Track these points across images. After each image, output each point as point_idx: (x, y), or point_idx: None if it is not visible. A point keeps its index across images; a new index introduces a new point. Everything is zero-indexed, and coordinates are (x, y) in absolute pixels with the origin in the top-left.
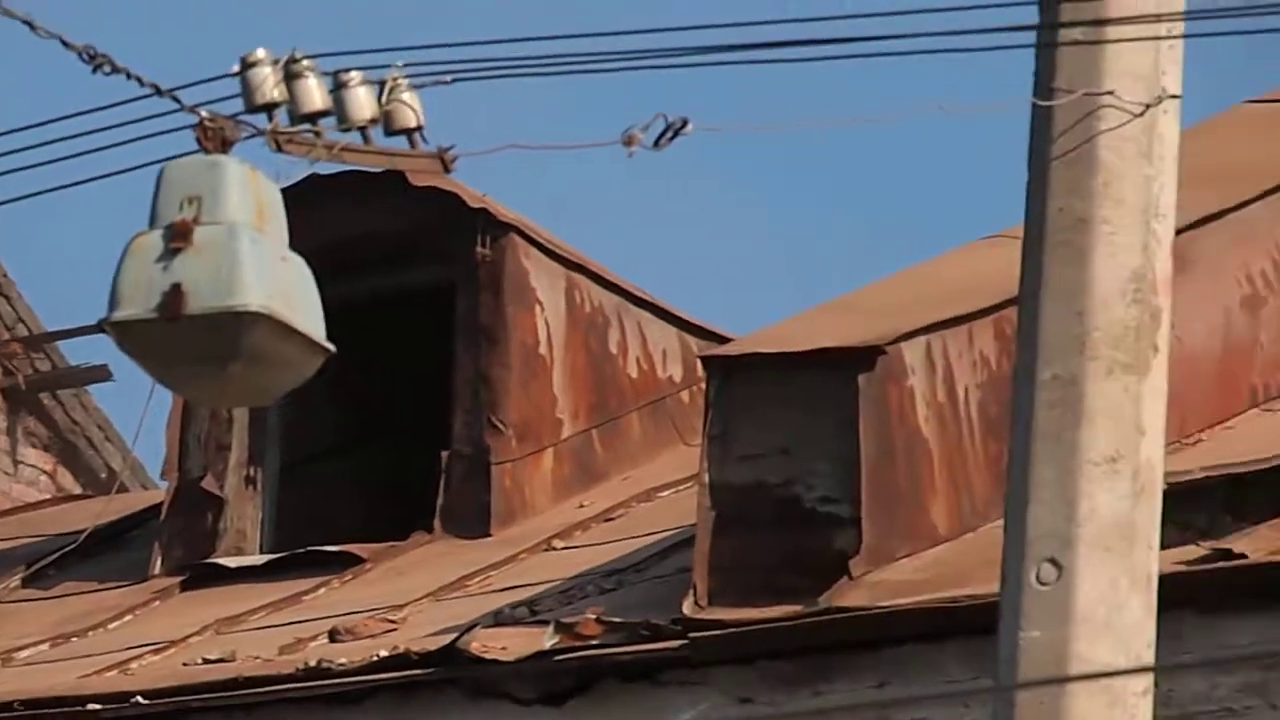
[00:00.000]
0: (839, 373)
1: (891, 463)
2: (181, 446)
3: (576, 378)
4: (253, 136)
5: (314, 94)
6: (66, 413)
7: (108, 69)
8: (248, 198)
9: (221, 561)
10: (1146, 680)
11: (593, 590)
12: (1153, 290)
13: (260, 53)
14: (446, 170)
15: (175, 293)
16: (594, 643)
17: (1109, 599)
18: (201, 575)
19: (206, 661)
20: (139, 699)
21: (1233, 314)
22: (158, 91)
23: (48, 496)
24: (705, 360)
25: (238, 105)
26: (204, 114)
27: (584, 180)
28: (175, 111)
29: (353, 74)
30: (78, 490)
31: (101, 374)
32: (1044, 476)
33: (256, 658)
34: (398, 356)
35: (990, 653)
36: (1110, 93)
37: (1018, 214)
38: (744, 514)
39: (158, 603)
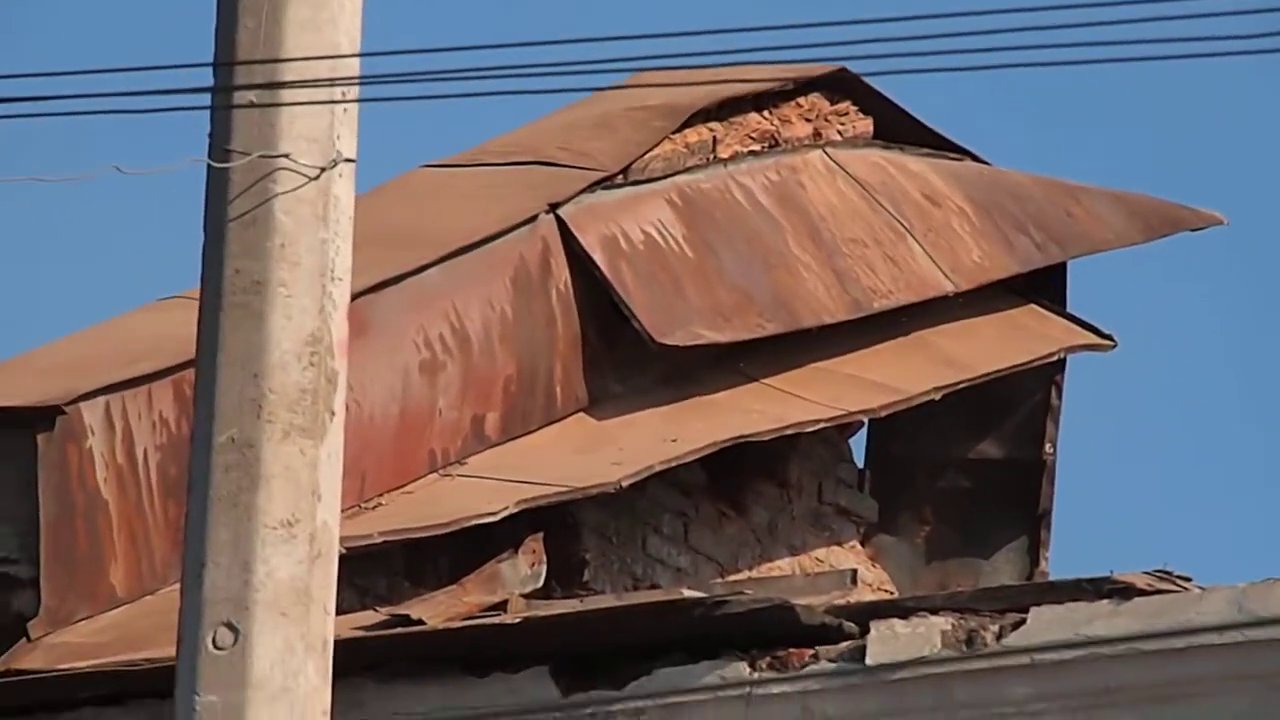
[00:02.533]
0: (18, 432)
1: (71, 524)
2: None
3: None
4: None
5: None
6: None
7: None
8: None
9: None
10: None
11: None
12: (330, 353)
13: None
14: None
15: None
16: None
17: (285, 664)
18: None
19: None
20: None
21: (411, 378)
22: None
23: None
24: None
25: None
26: None
27: None
28: None
29: None
30: None
31: None
32: (221, 539)
33: None
34: None
35: (172, 717)
36: (286, 155)
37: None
38: None
39: None
